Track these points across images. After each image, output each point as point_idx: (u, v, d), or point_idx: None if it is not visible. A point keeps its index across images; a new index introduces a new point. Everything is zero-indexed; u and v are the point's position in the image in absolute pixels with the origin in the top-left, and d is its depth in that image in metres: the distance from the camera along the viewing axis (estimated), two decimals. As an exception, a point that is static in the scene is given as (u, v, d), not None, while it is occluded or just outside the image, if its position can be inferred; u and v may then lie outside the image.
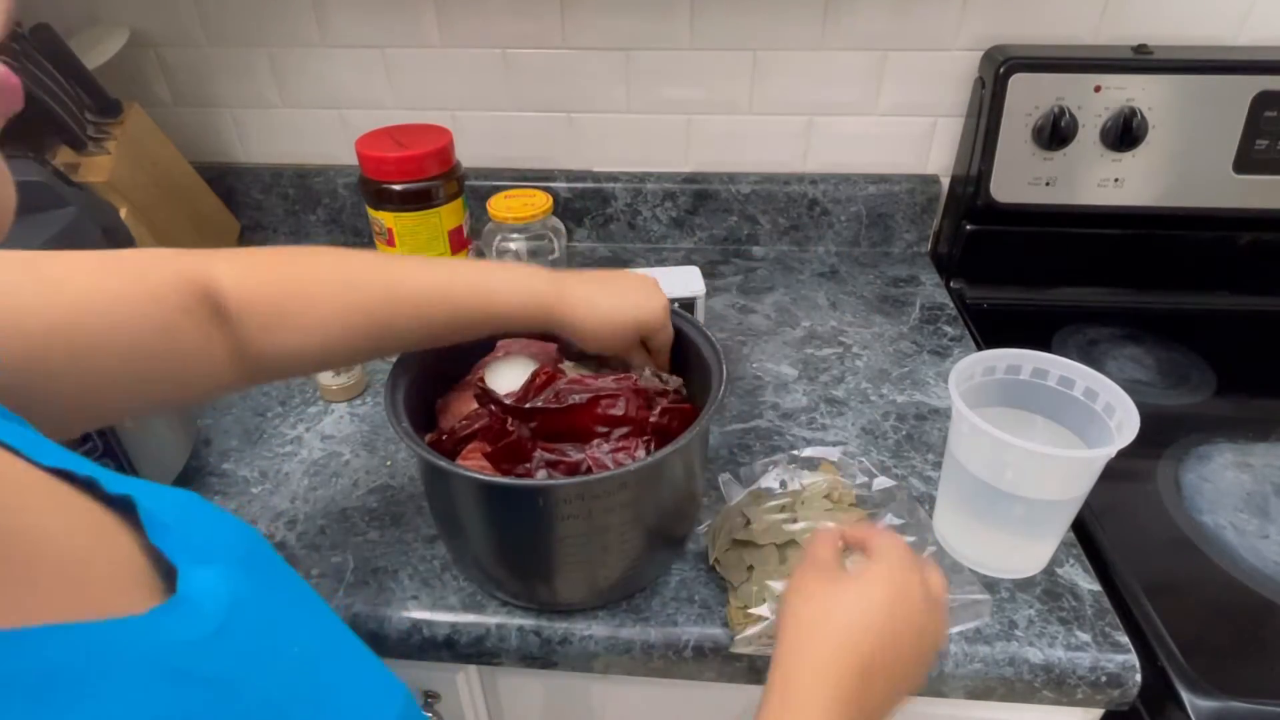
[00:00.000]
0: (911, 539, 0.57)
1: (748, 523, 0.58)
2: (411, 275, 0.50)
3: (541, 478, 0.52)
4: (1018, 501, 0.52)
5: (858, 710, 0.39)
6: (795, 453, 0.67)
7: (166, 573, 0.24)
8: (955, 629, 0.53)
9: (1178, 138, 0.82)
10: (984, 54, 0.88)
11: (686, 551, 0.59)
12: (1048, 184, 0.86)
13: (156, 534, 0.25)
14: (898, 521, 0.59)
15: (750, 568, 0.55)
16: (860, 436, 0.70)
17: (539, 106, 0.98)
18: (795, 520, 0.57)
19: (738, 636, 0.52)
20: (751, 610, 0.53)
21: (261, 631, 0.25)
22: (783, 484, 0.61)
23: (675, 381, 0.60)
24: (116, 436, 0.57)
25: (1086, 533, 0.61)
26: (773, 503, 0.59)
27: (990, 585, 0.56)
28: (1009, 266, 0.92)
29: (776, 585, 0.53)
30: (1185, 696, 0.49)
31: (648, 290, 0.57)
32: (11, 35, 0.73)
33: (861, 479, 0.63)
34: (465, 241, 0.77)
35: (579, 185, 1.00)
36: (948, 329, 0.86)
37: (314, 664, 0.27)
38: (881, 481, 0.63)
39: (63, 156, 0.80)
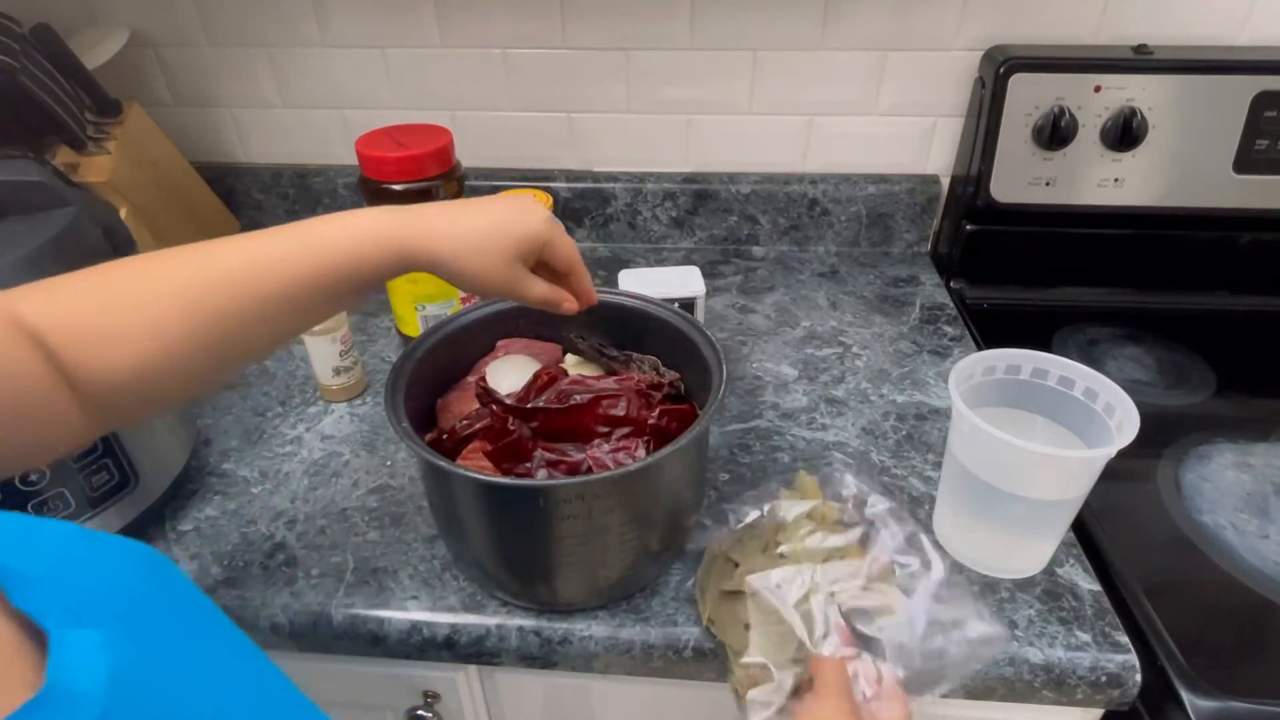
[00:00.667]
0: (911, 564, 0.52)
1: (735, 566, 0.52)
2: (230, 251, 0.43)
3: (542, 478, 0.52)
4: (1018, 501, 0.52)
5: None
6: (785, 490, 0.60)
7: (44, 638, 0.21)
8: (968, 671, 0.48)
9: (1178, 138, 0.82)
10: (984, 54, 0.88)
11: (686, 551, 0.59)
12: (1048, 184, 0.86)
13: (23, 592, 0.22)
14: (892, 542, 0.53)
15: (747, 626, 0.49)
16: (860, 436, 0.70)
17: (539, 106, 0.98)
18: (781, 553, 0.52)
19: (748, 698, 0.47)
20: (748, 660, 0.48)
21: (155, 705, 0.22)
22: (765, 511, 0.55)
23: (671, 375, 0.60)
24: (117, 437, 0.57)
25: (1086, 533, 0.61)
26: (755, 540, 0.53)
27: (990, 585, 0.56)
28: (1009, 266, 0.92)
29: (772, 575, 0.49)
30: (1185, 696, 0.49)
31: (521, 205, 0.50)
32: (12, 35, 0.73)
33: (850, 489, 0.57)
34: (465, 241, 0.77)
35: (579, 185, 1.00)
36: (948, 329, 0.86)
37: None
38: (875, 501, 0.56)
39: (63, 156, 0.80)
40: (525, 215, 0.49)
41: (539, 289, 0.51)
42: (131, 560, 0.26)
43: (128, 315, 0.40)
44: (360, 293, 0.47)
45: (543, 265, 0.52)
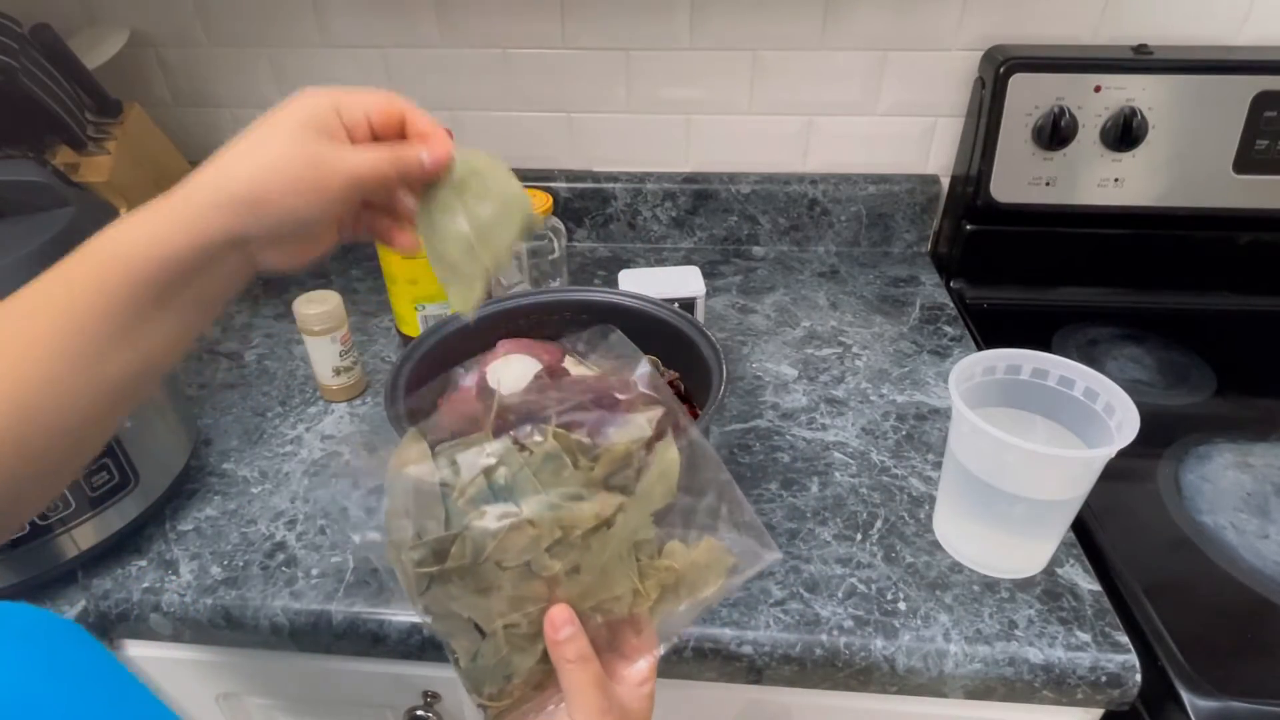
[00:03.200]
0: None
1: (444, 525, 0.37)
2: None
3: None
4: (1018, 501, 0.52)
5: None
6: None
7: None
8: (740, 579, 0.40)
9: (1178, 138, 0.82)
10: (984, 54, 0.88)
11: (686, 551, 0.59)
12: (1048, 184, 0.86)
13: None
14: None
15: (475, 625, 0.37)
16: (860, 436, 0.70)
17: (539, 106, 0.98)
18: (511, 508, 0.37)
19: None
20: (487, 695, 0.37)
21: None
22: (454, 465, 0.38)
23: (671, 374, 0.60)
24: (117, 437, 0.57)
25: (1086, 533, 0.61)
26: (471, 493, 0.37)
27: (990, 585, 0.56)
28: (1009, 266, 0.92)
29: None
30: (1185, 696, 0.49)
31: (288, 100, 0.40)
32: (12, 35, 0.73)
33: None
34: (465, 241, 0.77)
35: (579, 185, 1.00)
36: (948, 329, 0.86)
37: None
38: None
39: (63, 156, 0.80)
40: (284, 104, 0.41)
41: (365, 155, 0.39)
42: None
43: None
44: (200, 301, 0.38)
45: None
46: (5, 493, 0.34)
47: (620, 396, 0.40)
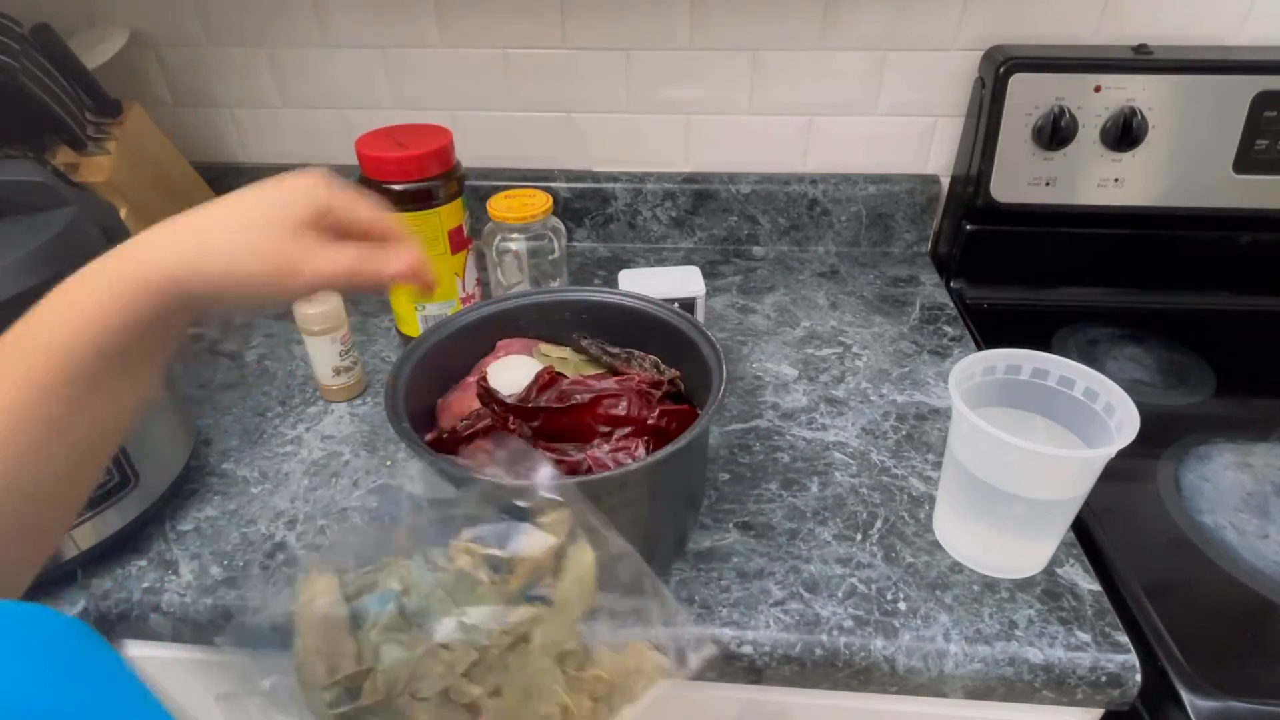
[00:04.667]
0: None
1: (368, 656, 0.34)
2: None
3: (542, 478, 0.52)
4: (1018, 501, 0.52)
5: None
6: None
7: None
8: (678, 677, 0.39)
9: (1178, 138, 0.82)
10: (984, 54, 0.88)
11: (687, 551, 0.59)
12: (1048, 184, 0.86)
13: None
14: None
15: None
16: (860, 436, 0.70)
17: (539, 106, 0.98)
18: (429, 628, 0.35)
19: None
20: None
21: None
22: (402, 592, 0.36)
23: (671, 372, 0.60)
24: (117, 436, 0.57)
25: (1086, 533, 0.61)
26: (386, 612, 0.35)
27: (990, 585, 0.56)
28: (1009, 266, 0.92)
29: None
30: (1185, 696, 0.49)
31: (276, 179, 0.39)
32: (12, 35, 0.73)
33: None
34: (465, 241, 0.77)
35: (579, 185, 1.00)
36: (948, 329, 0.86)
37: None
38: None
39: (63, 156, 0.80)
40: (280, 182, 0.38)
41: (335, 261, 0.38)
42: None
43: None
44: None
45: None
46: None
47: (523, 505, 0.38)
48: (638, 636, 0.38)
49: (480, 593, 0.35)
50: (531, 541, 0.37)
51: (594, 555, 0.37)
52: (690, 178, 0.99)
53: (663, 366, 0.60)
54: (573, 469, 0.53)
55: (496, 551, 0.36)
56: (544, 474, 0.40)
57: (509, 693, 0.34)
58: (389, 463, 0.68)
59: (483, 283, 0.84)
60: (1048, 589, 0.56)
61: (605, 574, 0.37)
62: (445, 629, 0.34)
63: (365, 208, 0.40)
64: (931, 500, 0.63)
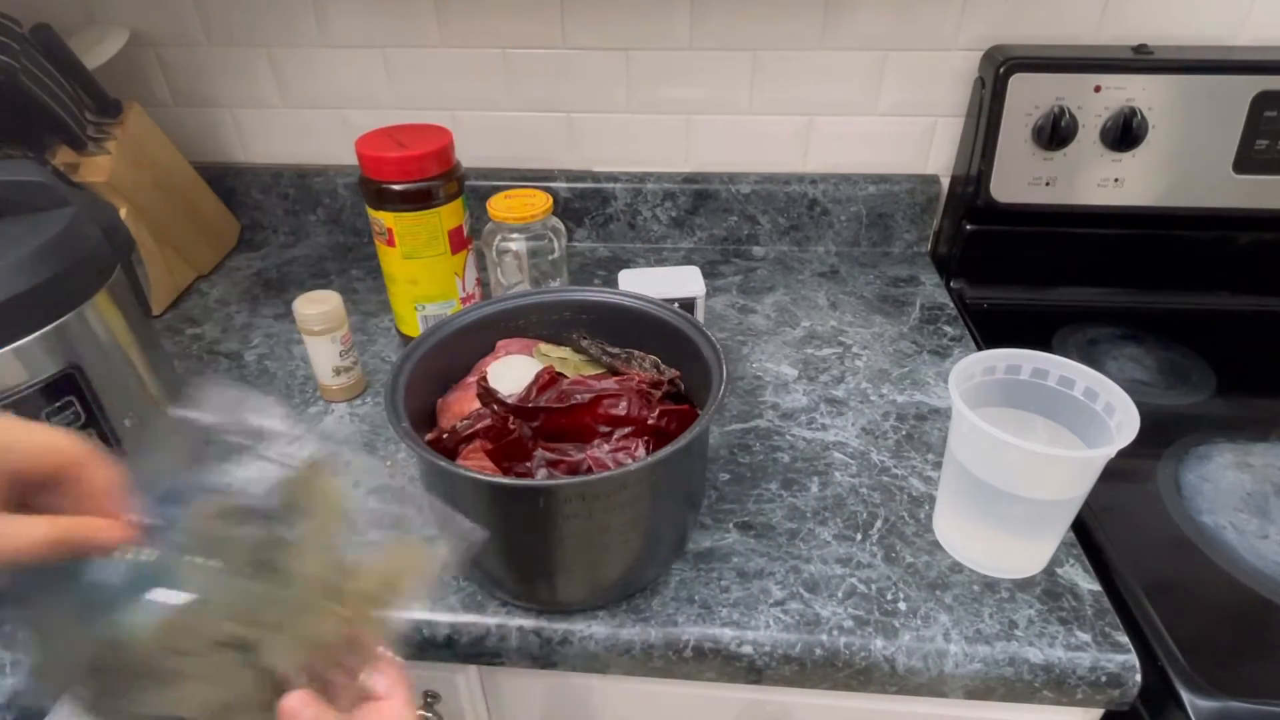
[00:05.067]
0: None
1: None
2: None
3: (542, 477, 0.52)
4: (1018, 501, 0.52)
5: None
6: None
7: None
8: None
9: (1178, 138, 0.82)
10: (984, 54, 0.88)
11: (687, 551, 0.59)
12: (1048, 184, 0.86)
13: None
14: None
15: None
16: (860, 436, 0.70)
17: (539, 106, 0.98)
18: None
19: None
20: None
21: None
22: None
23: (671, 372, 0.60)
24: (116, 436, 0.57)
25: (1086, 533, 0.61)
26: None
27: (990, 585, 0.56)
28: (1009, 266, 0.92)
29: None
30: (1185, 696, 0.49)
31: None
32: (12, 35, 0.73)
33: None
34: (465, 241, 0.77)
35: (579, 185, 1.00)
36: (948, 329, 0.86)
37: None
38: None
39: (63, 156, 0.80)
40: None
41: (30, 534, 0.30)
42: None
43: None
44: None
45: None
46: None
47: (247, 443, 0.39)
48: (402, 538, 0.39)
49: (225, 543, 0.36)
50: (266, 476, 0.39)
51: (336, 477, 0.39)
52: (690, 178, 0.99)
53: (663, 366, 0.60)
54: (572, 469, 0.53)
55: (243, 502, 0.38)
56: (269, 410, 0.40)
57: (276, 622, 0.34)
58: (389, 463, 0.68)
59: (483, 283, 0.84)
60: (1048, 589, 0.56)
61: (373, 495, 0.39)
62: (198, 577, 0.34)
63: (40, 447, 0.32)
64: (931, 500, 0.63)
